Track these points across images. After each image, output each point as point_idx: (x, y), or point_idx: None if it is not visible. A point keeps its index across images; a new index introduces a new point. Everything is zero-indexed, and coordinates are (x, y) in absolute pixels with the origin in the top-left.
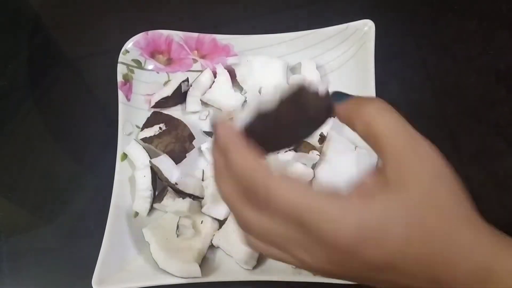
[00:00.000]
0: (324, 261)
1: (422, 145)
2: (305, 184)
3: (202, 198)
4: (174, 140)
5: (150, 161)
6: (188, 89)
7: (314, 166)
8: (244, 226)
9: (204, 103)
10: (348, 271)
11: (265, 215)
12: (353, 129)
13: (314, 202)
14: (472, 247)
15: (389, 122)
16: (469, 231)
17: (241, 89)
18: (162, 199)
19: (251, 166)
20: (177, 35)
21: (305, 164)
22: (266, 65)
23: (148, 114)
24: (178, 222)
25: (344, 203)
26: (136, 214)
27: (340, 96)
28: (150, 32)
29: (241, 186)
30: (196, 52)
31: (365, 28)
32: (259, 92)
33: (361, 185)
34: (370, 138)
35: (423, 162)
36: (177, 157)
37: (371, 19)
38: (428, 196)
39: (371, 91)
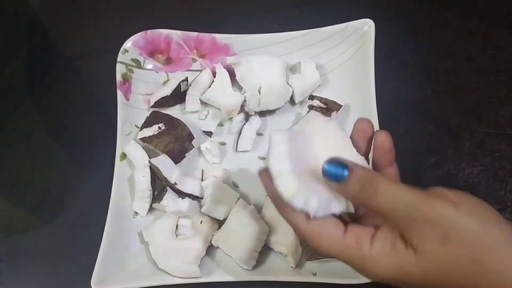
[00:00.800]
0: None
1: (426, 216)
2: (334, 236)
3: (202, 198)
4: (174, 140)
5: (149, 161)
6: (187, 89)
7: None
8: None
9: (204, 103)
10: None
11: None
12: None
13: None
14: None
15: (390, 202)
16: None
17: (240, 88)
18: (162, 199)
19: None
20: (176, 35)
21: None
22: (265, 64)
23: (147, 113)
24: (177, 222)
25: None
26: (135, 214)
27: (334, 167)
28: (149, 32)
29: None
30: (195, 51)
31: (365, 27)
32: (259, 91)
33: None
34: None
35: (426, 228)
36: (177, 157)
37: (371, 19)
38: (440, 259)
39: (371, 91)
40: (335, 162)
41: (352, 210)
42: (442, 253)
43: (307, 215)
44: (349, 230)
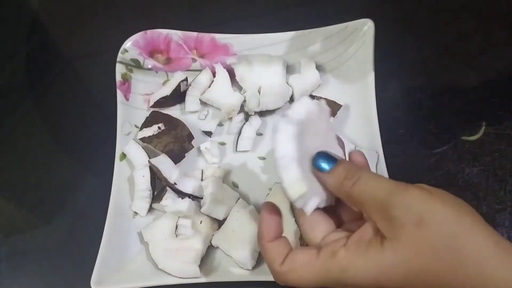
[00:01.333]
0: None
1: (402, 200)
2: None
3: (201, 198)
4: (173, 140)
5: (149, 161)
6: (187, 89)
7: None
8: None
9: (203, 103)
10: None
11: None
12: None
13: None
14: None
15: (369, 188)
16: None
17: (240, 88)
18: (161, 199)
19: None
20: (176, 35)
21: None
22: (265, 64)
23: (147, 113)
24: (177, 222)
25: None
26: (135, 214)
27: (324, 160)
28: (149, 31)
29: None
30: (195, 51)
31: (365, 27)
32: (258, 91)
33: (357, 239)
34: (358, 206)
35: (401, 212)
36: (176, 157)
37: (371, 18)
38: (416, 244)
39: (370, 91)
40: (325, 154)
41: (333, 202)
42: (418, 238)
43: (283, 258)
44: (324, 247)
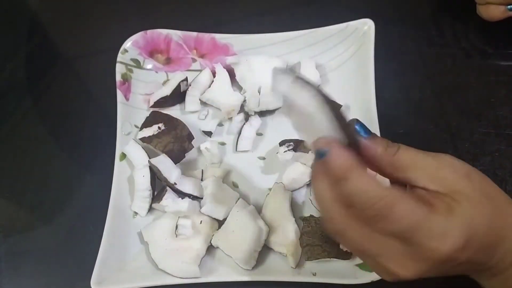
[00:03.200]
0: (417, 272)
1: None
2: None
3: (201, 198)
4: (173, 139)
5: (149, 161)
6: (187, 89)
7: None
8: (342, 232)
9: (203, 103)
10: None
11: (368, 228)
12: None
13: (423, 221)
14: None
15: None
16: None
17: (240, 88)
18: (161, 199)
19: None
20: (176, 34)
21: (305, 164)
22: (265, 64)
23: (147, 113)
24: (177, 222)
25: (443, 221)
26: (135, 214)
27: (362, 127)
28: (149, 31)
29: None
30: (195, 51)
31: (365, 27)
32: (259, 91)
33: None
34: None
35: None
36: (176, 157)
37: (371, 19)
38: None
39: (370, 91)
40: (361, 123)
41: None
42: (471, 188)
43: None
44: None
